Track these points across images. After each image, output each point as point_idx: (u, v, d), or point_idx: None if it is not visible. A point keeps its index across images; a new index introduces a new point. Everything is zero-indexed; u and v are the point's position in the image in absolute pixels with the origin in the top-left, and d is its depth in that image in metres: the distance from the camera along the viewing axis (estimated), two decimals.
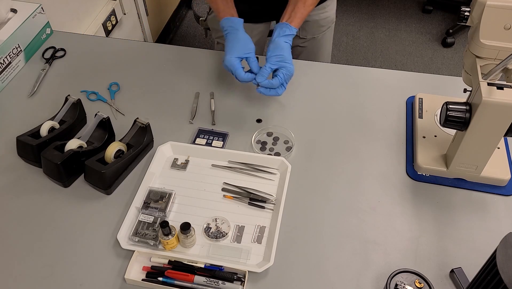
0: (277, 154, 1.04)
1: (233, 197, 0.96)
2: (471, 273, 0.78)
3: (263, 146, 1.06)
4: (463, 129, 0.87)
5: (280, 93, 1.04)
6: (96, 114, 1.04)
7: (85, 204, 0.95)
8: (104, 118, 1.03)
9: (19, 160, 1.03)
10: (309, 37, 1.41)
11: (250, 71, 1.04)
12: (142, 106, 1.15)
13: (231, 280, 0.81)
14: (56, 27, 1.40)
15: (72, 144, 0.98)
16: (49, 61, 1.28)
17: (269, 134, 1.08)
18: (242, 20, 1.09)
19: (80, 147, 0.99)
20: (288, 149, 1.05)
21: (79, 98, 1.08)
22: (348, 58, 2.71)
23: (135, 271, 0.84)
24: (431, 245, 0.87)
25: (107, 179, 0.94)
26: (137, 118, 1.03)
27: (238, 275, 0.82)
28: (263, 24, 1.41)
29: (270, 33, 1.89)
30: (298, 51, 1.46)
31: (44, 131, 1.02)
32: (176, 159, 1.03)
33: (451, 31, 2.75)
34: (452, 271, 0.83)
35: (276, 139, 1.07)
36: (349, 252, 0.87)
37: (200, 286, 0.81)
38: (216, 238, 0.88)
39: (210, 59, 1.28)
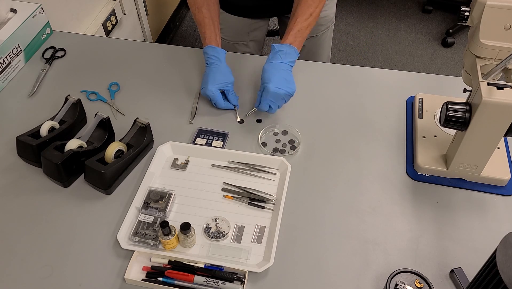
0: (283, 151, 1.04)
1: (233, 197, 0.96)
2: (471, 273, 0.78)
3: (268, 144, 1.06)
4: (463, 129, 0.87)
5: (274, 111, 1.08)
6: (96, 114, 1.04)
7: (85, 204, 0.95)
8: (104, 118, 1.03)
9: (19, 160, 1.03)
10: (308, 36, 1.41)
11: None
12: (142, 106, 1.15)
13: (231, 280, 0.81)
14: (56, 27, 1.40)
15: (72, 144, 0.98)
16: (49, 61, 1.28)
17: (275, 133, 1.08)
18: (225, 51, 1.14)
19: (80, 147, 0.99)
20: (293, 148, 1.05)
21: (79, 98, 1.08)
22: (348, 58, 2.71)
23: (135, 271, 0.84)
24: (431, 245, 0.87)
25: (107, 179, 0.94)
26: (137, 118, 1.03)
27: (238, 275, 0.82)
28: (262, 20, 1.40)
29: (270, 33, 1.88)
30: None
31: (44, 131, 1.02)
32: (176, 159, 1.03)
33: (451, 31, 2.75)
34: (452, 271, 0.83)
35: (281, 138, 1.07)
36: (349, 252, 0.87)
37: (200, 286, 0.81)
38: (216, 238, 0.88)
39: None
